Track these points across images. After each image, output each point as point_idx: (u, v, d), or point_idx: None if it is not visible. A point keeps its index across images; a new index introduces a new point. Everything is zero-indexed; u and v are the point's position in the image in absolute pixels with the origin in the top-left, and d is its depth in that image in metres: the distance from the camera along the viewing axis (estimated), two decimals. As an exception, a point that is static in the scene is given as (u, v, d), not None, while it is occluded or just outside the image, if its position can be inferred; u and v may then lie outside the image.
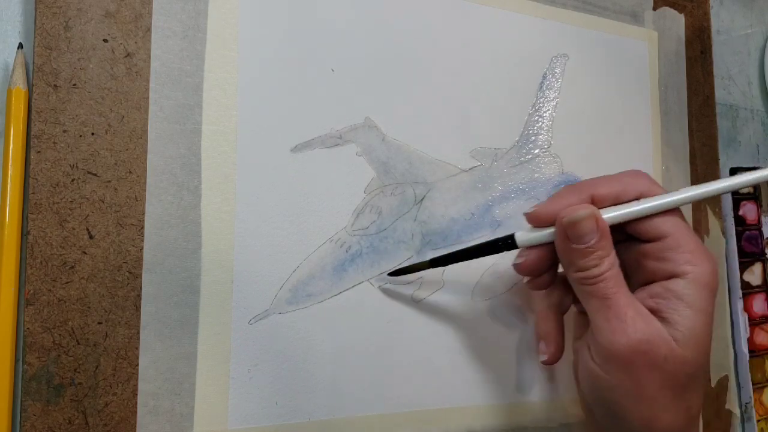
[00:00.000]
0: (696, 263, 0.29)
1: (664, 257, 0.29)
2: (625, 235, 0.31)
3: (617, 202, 0.30)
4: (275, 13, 0.33)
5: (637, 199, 0.30)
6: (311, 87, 0.33)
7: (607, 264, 0.28)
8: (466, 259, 0.32)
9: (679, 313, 0.28)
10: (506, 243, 0.31)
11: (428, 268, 0.33)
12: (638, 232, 0.30)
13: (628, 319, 0.28)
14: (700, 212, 0.45)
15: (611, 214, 0.29)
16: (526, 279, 0.33)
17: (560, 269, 0.32)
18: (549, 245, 0.31)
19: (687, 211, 0.44)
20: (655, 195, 0.29)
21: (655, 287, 0.29)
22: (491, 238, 0.32)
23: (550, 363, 0.33)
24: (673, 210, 0.30)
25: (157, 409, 0.29)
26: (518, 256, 0.32)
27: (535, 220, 0.31)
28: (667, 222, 0.29)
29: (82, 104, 0.29)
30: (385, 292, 0.34)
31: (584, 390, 0.31)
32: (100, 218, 0.29)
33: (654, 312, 0.29)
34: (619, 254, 0.30)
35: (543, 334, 0.33)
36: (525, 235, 0.31)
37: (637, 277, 0.30)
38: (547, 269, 0.32)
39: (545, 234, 0.30)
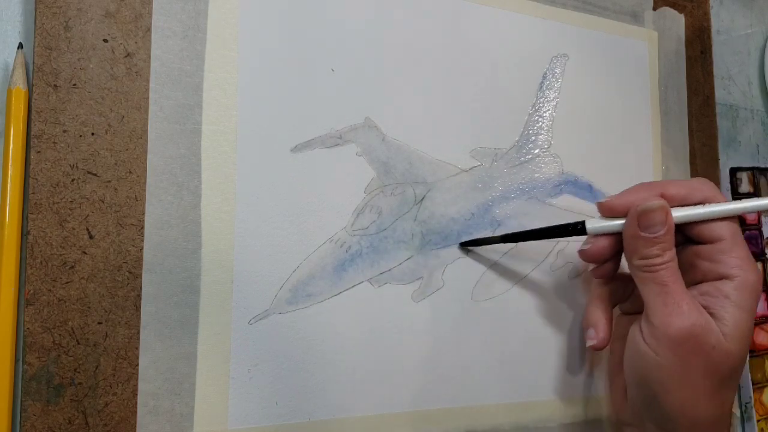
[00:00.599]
0: (745, 268, 0.31)
1: (717, 259, 0.32)
2: (682, 238, 0.33)
3: (683, 203, 0.32)
4: (275, 13, 0.33)
5: (702, 203, 0.32)
6: (311, 87, 0.33)
7: (668, 255, 0.31)
8: (536, 239, 0.35)
9: (727, 310, 0.31)
10: (576, 228, 0.33)
11: (499, 242, 0.36)
12: (697, 233, 0.32)
13: (683, 305, 0.30)
14: (700, 212, 0.45)
15: (679, 213, 0.32)
16: (590, 267, 0.35)
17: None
18: (614, 236, 0.33)
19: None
20: (718, 202, 0.32)
21: (706, 286, 0.32)
22: (562, 225, 0.34)
23: (598, 348, 0.35)
24: (731, 218, 0.32)
25: (157, 409, 0.29)
26: (585, 242, 0.34)
27: (608, 210, 0.33)
28: (724, 227, 0.32)
29: (82, 104, 0.29)
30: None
31: (630, 371, 0.33)
32: (100, 218, 0.29)
33: (704, 308, 0.31)
34: (678, 255, 0.32)
35: (593, 321, 0.35)
36: (595, 223, 0.33)
37: (689, 277, 0.32)
38: (610, 259, 0.34)
39: (613, 224, 0.33)
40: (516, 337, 0.37)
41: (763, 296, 0.47)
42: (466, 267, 0.36)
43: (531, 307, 0.38)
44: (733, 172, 0.47)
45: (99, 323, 0.28)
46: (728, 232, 0.32)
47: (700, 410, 0.31)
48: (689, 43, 0.46)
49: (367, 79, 0.35)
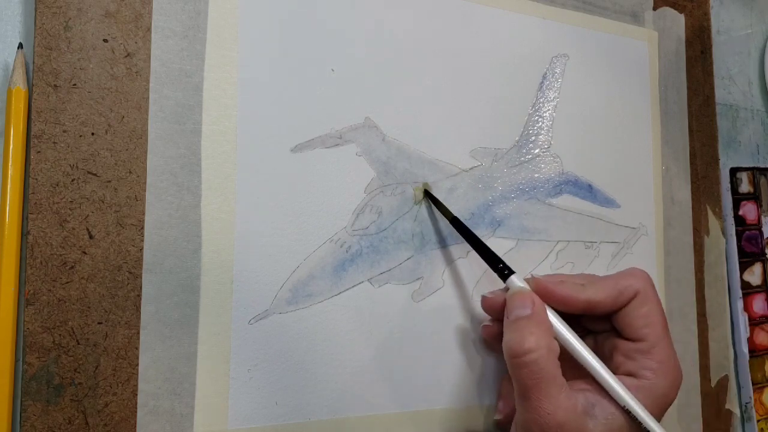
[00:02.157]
0: (657, 374, 0.30)
1: (633, 358, 0.31)
2: (610, 326, 0.33)
3: (614, 304, 0.31)
4: (275, 13, 0.33)
5: (633, 298, 0.31)
6: (311, 87, 0.33)
7: (530, 344, 0.28)
8: (474, 247, 0.34)
9: (608, 406, 0.29)
10: (502, 271, 0.32)
11: (450, 221, 0.34)
12: (620, 327, 0.32)
13: (544, 405, 0.28)
14: (700, 212, 0.45)
15: (563, 330, 0.30)
16: (483, 324, 0.35)
17: None
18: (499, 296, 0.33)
19: (687, 211, 0.44)
20: (647, 297, 0.31)
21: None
22: (497, 252, 0.33)
23: (502, 424, 0.34)
24: (658, 314, 0.31)
25: (157, 409, 0.29)
26: (492, 292, 0.33)
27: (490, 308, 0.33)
28: (648, 328, 0.31)
29: (82, 104, 0.29)
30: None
31: None
32: (100, 218, 0.29)
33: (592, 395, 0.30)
34: (599, 341, 0.33)
35: (504, 394, 0.35)
36: (516, 282, 0.32)
37: (605, 362, 0.31)
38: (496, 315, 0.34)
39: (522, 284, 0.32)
40: (516, 337, 0.37)
41: (762, 296, 0.47)
42: (466, 267, 0.36)
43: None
44: (733, 172, 0.47)
45: (99, 323, 0.28)
46: (652, 334, 0.31)
47: None
48: (689, 43, 0.46)
49: (367, 79, 0.35)
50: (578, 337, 0.31)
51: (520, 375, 0.28)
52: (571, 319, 0.32)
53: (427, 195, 0.35)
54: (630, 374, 0.30)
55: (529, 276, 0.33)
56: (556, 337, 0.30)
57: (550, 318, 0.30)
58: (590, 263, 0.40)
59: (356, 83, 0.35)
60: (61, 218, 0.28)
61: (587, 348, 0.30)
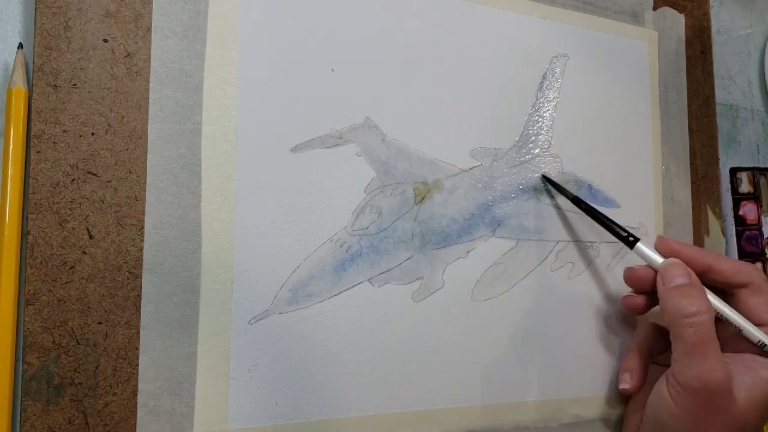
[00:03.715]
0: None
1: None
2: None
3: (729, 278, 0.35)
4: (275, 13, 0.33)
5: (747, 285, 0.35)
6: (311, 87, 0.33)
7: (697, 307, 0.32)
8: (597, 221, 0.37)
9: (748, 377, 0.32)
10: (627, 239, 0.36)
11: (569, 198, 0.38)
12: (742, 311, 0.34)
13: (708, 361, 0.31)
14: (700, 212, 0.45)
15: (714, 301, 0.34)
16: (626, 295, 0.38)
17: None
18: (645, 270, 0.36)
19: (687, 211, 0.44)
20: (763, 287, 0.35)
21: (747, 358, 0.33)
22: (621, 230, 0.36)
23: (630, 392, 0.37)
24: None
25: (157, 409, 0.29)
26: (635, 266, 0.36)
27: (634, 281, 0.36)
28: None
29: (82, 104, 0.29)
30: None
31: (650, 415, 0.34)
32: (100, 218, 0.29)
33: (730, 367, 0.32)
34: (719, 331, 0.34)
35: (630, 367, 0.37)
36: (646, 248, 0.35)
37: (728, 348, 0.34)
38: (646, 293, 0.36)
39: (658, 261, 0.35)
40: (516, 337, 0.37)
41: (763, 296, 0.47)
42: (466, 267, 0.36)
43: (531, 307, 0.38)
44: (733, 172, 0.47)
45: (99, 323, 0.28)
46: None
47: None
48: (689, 43, 0.46)
49: (367, 79, 0.35)
50: (727, 305, 0.34)
51: (688, 334, 0.31)
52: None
53: (546, 180, 0.39)
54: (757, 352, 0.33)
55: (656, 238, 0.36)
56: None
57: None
58: (590, 263, 0.40)
59: (356, 83, 0.35)
60: (61, 218, 0.28)
61: (737, 312, 0.34)
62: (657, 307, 0.35)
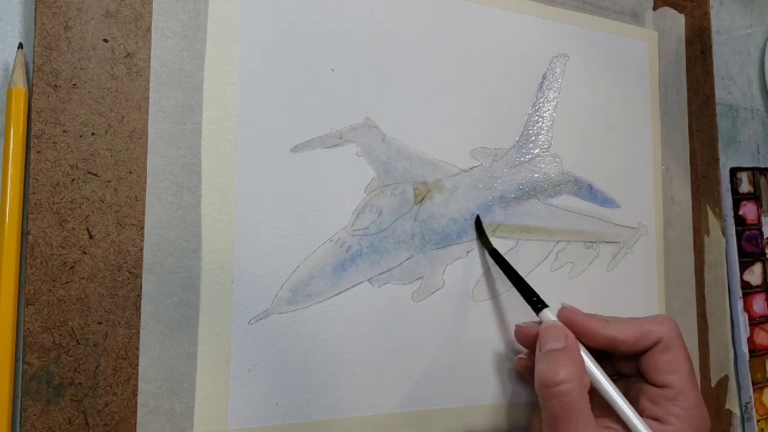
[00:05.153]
0: (683, 421, 0.30)
1: (659, 403, 0.31)
2: (637, 370, 0.33)
3: (636, 346, 0.32)
4: (275, 13, 0.33)
5: (655, 344, 0.32)
6: (311, 87, 0.33)
7: (563, 375, 0.29)
8: (511, 279, 0.35)
9: None
10: (536, 305, 0.33)
11: (489, 252, 0.36)
12: (645, 371, 0.32)
13: None
14: (701, 212, 0.45)
15: (592, 368, 0.31)
16: (517, 356, 0.35)
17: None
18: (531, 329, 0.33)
19: (687, 211, 0.44)
20: (672, 344, 0.32)
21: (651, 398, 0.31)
22: (533, 290, 0.34)
23: None
24: (683, 361, 0.32)
25: (157, 409, 0.29)
26: (525, 324, 0.34)
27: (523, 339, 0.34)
28: (673, 375, 0.31)
29: (82, 104, 0.29)
30: None
31: None
32: (100, 218, 0.29)
33: None
34: (628, 384, 0.33)
35: (535, 430, 0.35)
36: (548, 316, 0.33)
37: (633, 406, 0.31)
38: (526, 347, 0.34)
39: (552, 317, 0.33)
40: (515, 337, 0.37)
41: (762, 296, 0.47)
42: (466, 267, 0.36)
43: (530, 307, 0.38)
44: (733, 172, 0.47)
45: (99, 323, 0.28)
46: (677, 380, 0.31)
47: None
48: (689, 43, 0.46)
49: (367, 79, 0.35)
50: (607, 376, 0.31)
51: (551, 405, 0.29)
52: (604, 360, 0.33)
53: (477, 224, 0.36)
54: (656, 419, 0.31)
55: (560, 306, 0.34)
56: (588, 373, 0.31)
57: (582, 354, 0.31)
58: (590, 263, 0.40)
59: (356, 83, 0.35)
60: (61, 218, 0.28)
61: (615, 387, 0.31)
62: None
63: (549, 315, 0.33)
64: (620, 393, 0.31)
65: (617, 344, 0.32)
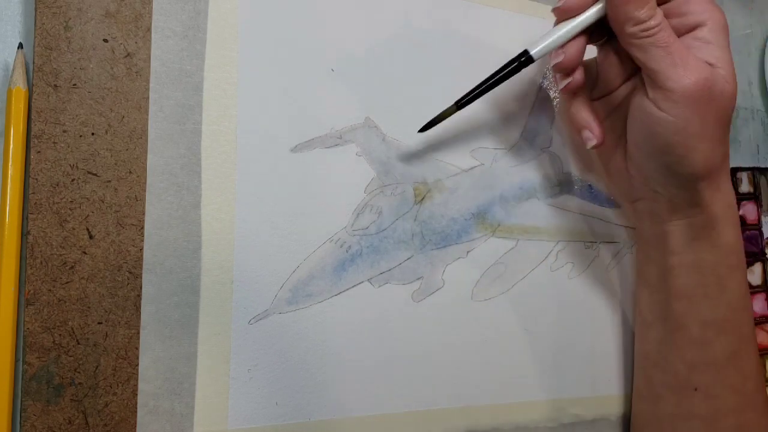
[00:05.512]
0: (711, 11, 0.33)
1: (685, 11, 0.33)
2: None
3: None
4: (275, 13, 0.33)
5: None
6: (311, 87, 0.33)
7: (659, 15, 0.31)
8: (489, 90, 0.34)
9: (715, 55, 0.32)
10: (521, 61, 0.33)
11: (455, 111, 0.34)
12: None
13: (690, 61, 0.31)
14: (700, 212, 0.45)
15: None
16: (562, 84, 0.35)
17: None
18: (578, 38, 0.33)
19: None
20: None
21: (686, 40, 0.33)
22: (507, 63, 0.34)
23: (599, 145, 0.35)
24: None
25: (157, 409, 0.29)
26: (556, 56, 0.33)
27: (569, 10, 0.33)
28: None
29: (82, 104, 0.29)
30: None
31: (644, 144, 0.33)
32: (100, 218, 0.29)
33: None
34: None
35: (583, 123, 0.35)
36: (537, 45, 0.33)
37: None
38: (578, 65, 0.34)
39: (557, 36, 0.33)
40: (516, 337, 0.37)
41: (762, 296, 0.47)
42: (466, 267, 0.36)
43: (531, 307, 0.38)
44: (733, 172, 0.47)
45: (99, 323, 0.28)
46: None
47: (717, 157, 0.33)
48: (689, 43, 0.46)
49: (367, 79, 0.35)
50: None
51: (657, 41, 0.31)
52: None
53: (425, 128, 0.35)
54: (694, 27, 0.33)
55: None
56: None
57: None
58: (590, 263, 0.40)
59: (356, 83, 0.35)
60: (61, 218, 0.28)
61: None
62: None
63: (552, 35, 0.33)
64: None
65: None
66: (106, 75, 0.29)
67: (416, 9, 0.37)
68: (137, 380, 0.29)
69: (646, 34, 0.31)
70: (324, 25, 0.34)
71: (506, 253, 0.38)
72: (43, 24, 0.28)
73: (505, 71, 0.33)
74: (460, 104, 0.34)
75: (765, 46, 0.52)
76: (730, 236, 0.34)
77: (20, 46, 0.29)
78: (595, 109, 0.36)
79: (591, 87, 0.36)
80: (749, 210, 0.47)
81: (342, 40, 0.34)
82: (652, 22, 0.31)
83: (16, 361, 0.28)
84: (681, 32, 0.33)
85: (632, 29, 0.31)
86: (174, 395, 0.29)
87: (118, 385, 0.29)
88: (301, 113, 0.33)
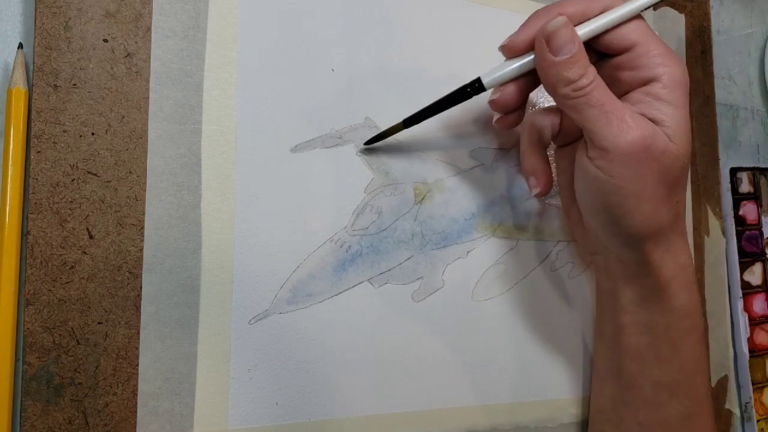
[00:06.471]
0: (668, 65, 0.30)
1: (638, 65, 0.31)
2: (596, 55, 0.32)
3: (585, 19, 0.31)
4: (275, 13, 0.33)
5: (603, 12, 0.31)
6: (311, 87, 0.33)
7: (592, 73, 0.29)
8: (438, 112, 0.33)
9: (663, 112, 0.30)
10: (474, 87, 0.32)
11: (402, 129, 0.33)
12: (609, 46, 0.31)
13: (627, 119, 0.29)
14: (701, 212, 0.45)
15: (583, 30, 0.30)
16: (496, 118, 0.34)
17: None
18: (520, 80, 0.32)
19: (687, 210, 0.44)
20: (617, 6, 0.31)
21: (635, 95, 0.31)
22: (458, 89, 0.33)
23: (542, 195, 0.35)
24: (638, 19, 0.31)
25: (157, 409, 0.29)
26: (494, 93, 0.33)
27: (512, 50, 0.32)
28: (635, 32, 0.31)
29: (82, 104, 0.29)
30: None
31: (586, 202, 0.32)
32: (100, 218, 0.29)
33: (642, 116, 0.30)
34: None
35: (531, 170, 0.35)
36: (491, 75, 0.32)
37: (615, 91, 0.31)
38: (518, 106, 0.33)
39: (511, 69, 0.32)
40: (515, 337, 0.37)
41: (762, 296, 0.47)
42: (466, 267, 0.36)
43: (531, 307, 0.38)
44: (733, 172, 0.47)
45: (99, 323, 0.28)
46: (640, 35, 0.30)
47: (661, 218, 0.31)
48: (689, 43, 0.46)
49: (367, 79, 0.35)
50: (588, 21, 0.31)
51: (579, 102, 0.30)
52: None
53: (369, 142, 0.34)
54: (647, 81, 0.31)
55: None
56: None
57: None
58: (590, 263, 0.40)
59: (356, 83, 0.35)
60: (61, 218, 0.28)
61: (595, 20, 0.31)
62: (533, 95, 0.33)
63: (502, 69, 0.32)
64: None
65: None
66: (106, 75, 0.29)
67: (416, 8, 0.37)
68: (137, 380, 0.29)
69: (578, 94, 0.29)
70: (324, 24, 0.34)
71: (506, 253, 0.38)
72: (43, 24, 0.28)
73: (457, 96, 0.33)
74: (408, 122, 0.33)
75: (765, 46, 0.52)
76: (683, 299, 0.32)
77: (20, 46, 0.29)
78: (546, 157, 0.35)
79: (555, 134, 0.35)
80: (749, 210, 0.47)
81: (342, 40, 0.34)
82: (584, 81, 0.29)
83: (16, 361, 0.28)
84: (633, 86, 0.31)
85: (564, 90, 0.30)
86: (174, 395, 0.29)
87: (118, 385, 0.29)
88: (301, 113, 0.33)
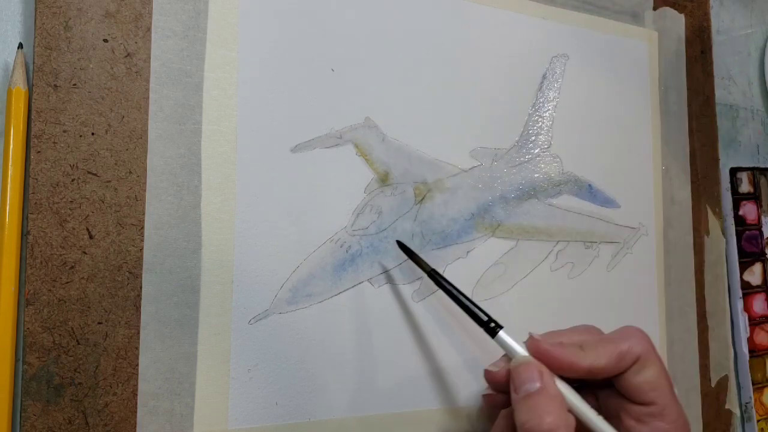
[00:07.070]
0: (676, 422, 0.29)
1: (645, 421, 0.30)
2: (610, 383, 0.31)
3: (615, 368, 0.30)
4: (275, 13, 0.33)
5: (635, 362, 0.30)
6: (311, 87, 0.33)
7: (548, 423, 0.27)
8: (456, 302, 0.32)
9: None
10: (489, 327, 0.31)
11: (427, 273, 0.33)
12: (626, 391, 0.30)
13: None
14: (701, 212, 0.45)
15: (575, 402, 0.29)
16: (485, 392, 0.33)
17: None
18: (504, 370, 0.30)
19: (687, 211, 0.44)
20: (649, 360, 0.30)
21: (636, 426, 0.30)
22: (484, 312, 0.31)
23: None
24: (663, 376, 0.30)
25: (157, 409, 0.29)
26: (494, 364, 0.31)
27: (494, 376, 0.31)
28: (656, 391, 0.30)
29: (82, 104, 0.29)
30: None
31: None
32: (100, 218, 0.29)
33: None
34: (601, 399, 0.31)
35: None
36: (507, 337, 0.30)
37: (613, 423, 0.30)
38: (505, 387, 0.31)
39: (516, 354, 0.30)
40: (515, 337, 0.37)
41: (762, 296, 0.47)
42: (466, 267, 0.36)
43: (530, 307, 0.38)
44: (733, 172, 0.47)
45: (99, 323, 0.28)
46: (660, 396, 0.29)
47: None
48: (689, 43, 0.46)
49: (367, 79, 0.35)
50: (590, 408, 0.29)
51: None
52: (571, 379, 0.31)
53: (401, 247, 0.34)
54: None
55: (526, 336, 0.31)
56: (570, 409, 0.29)
57: (561, 390, 0.29)
58: (590, 263, 0.40)
59: (356, 83, 0.35)
60: (61, 218, 0.28)
61: (603, 419, 0.29)
62: None
63: (505, 338, 0.30)
64: (608, 424, 0.29)
65: (597, 373, 0.30)
66: (106, 75, 0.29)
67: (416, 9, 0.37)
68: (137, 380, 0.29)
69: None
70: (324, 24, 0.34)
71: (506, 253, 0.38)
72: (43, 24, 0.28)
73: (475, 312, 0.31)
74: (431, 275, 0.32)
75: (765, 46, 0.52)
76: None
77: (20, 46, 0.29)
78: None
79: None
80: (749, 210, 0.47)
81: (342, 40, 0.34)
82: (535, 427, 0.27)
83: (16, 361, 0.28)
84: (637, 419, 0.30)
85: (518, 428, 0.28)
86: (174, 395, 0.29)
87: (118, 385, 0.28)
88: (301, 113, 0.33)
